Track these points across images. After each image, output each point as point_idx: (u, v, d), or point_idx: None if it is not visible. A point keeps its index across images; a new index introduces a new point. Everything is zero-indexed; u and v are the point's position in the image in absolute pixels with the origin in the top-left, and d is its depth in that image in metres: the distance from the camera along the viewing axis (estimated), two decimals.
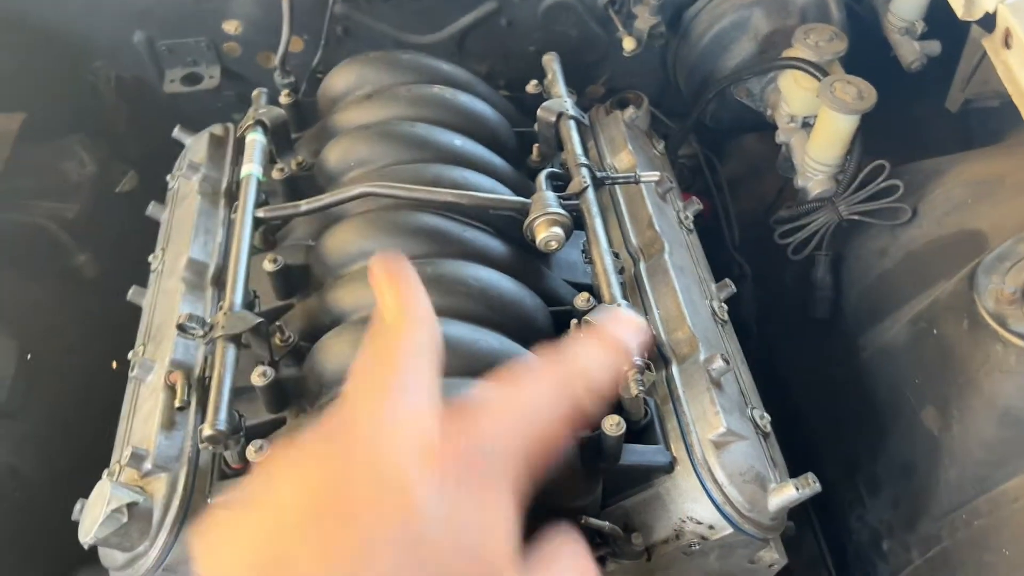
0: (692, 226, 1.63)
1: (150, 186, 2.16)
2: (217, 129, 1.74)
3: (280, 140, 1.60)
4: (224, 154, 1.69)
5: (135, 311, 1.56)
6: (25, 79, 1.97)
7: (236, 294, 1.25)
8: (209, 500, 1.18)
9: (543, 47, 2.00)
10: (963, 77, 1.69)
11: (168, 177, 1.75)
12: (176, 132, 1.76)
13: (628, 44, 1.92)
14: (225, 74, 2.04)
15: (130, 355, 1.45)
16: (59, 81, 2.00)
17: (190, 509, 1.18)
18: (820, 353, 1.81)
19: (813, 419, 1.82)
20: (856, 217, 1.72)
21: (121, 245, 2.07)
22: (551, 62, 1.68)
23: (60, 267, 1.96)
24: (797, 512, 1.66)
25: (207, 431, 1.09)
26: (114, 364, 1.98)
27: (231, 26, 1.99)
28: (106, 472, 1.25)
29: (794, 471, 1.26)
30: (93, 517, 1.13)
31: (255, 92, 1.64)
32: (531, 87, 1.71)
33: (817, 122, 1.72)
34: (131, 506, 1.14)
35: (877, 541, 1.57)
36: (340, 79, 1.65)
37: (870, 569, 1.59)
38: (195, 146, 1.71)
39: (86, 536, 1.13)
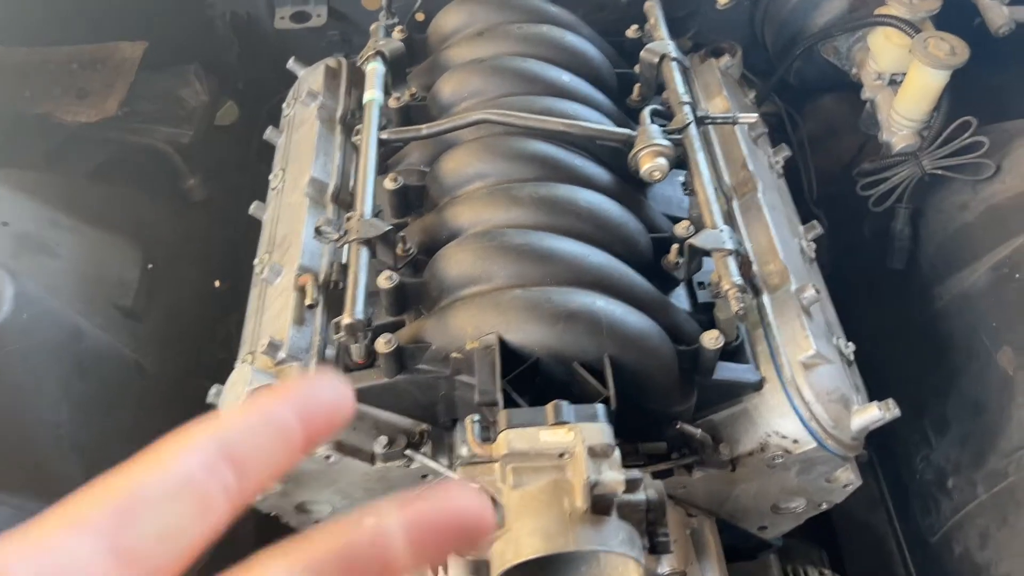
0: (781, 171, 1.71)
1: (249, 119, 2.30)
2: (332, 61, 1.84)
3: (395, 72, 1.70)
4: (339, 84, 1.80)
5: (235, 233, 1.70)
6: (148, 12, 2.10)
7: (366, 204, 1.36)
8: None
9: None
10: None
11: (284, 105, 1.86)
12: (291, 63, 1.87)
13: None
14: (332, 14, 2.15)
15: (255, 262, 1.57)
16: (178, 15, 2.13)
17: None
18: (894, 302, 1.88)
19: (883, 366, 1.88)
20: (939, 172, 1.78)
21: (224, 172, 2.21)
22: (653, 8, 1.76)
23: (174, 188, 2.10)
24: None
25: (346, 319, 1.20)
26: (216, 283, 2.13)
27: None
28: (239, 360, 1.38)
29: None
30: (234, 395, 1.26)
31: (373, 25, 1.74)
32: (631, 31, 1.79)
33: (907, 77, 1.77)
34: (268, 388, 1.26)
35: (942, 479, 1.65)
36: (451, 17, 1.74)
37: (932, 505, 1.67)
38: (311, 76, 1.82)
39: None
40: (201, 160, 2.14)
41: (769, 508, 1.48)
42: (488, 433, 1.16)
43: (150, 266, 1.84)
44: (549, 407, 1.10)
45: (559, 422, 1.09)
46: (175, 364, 1.83)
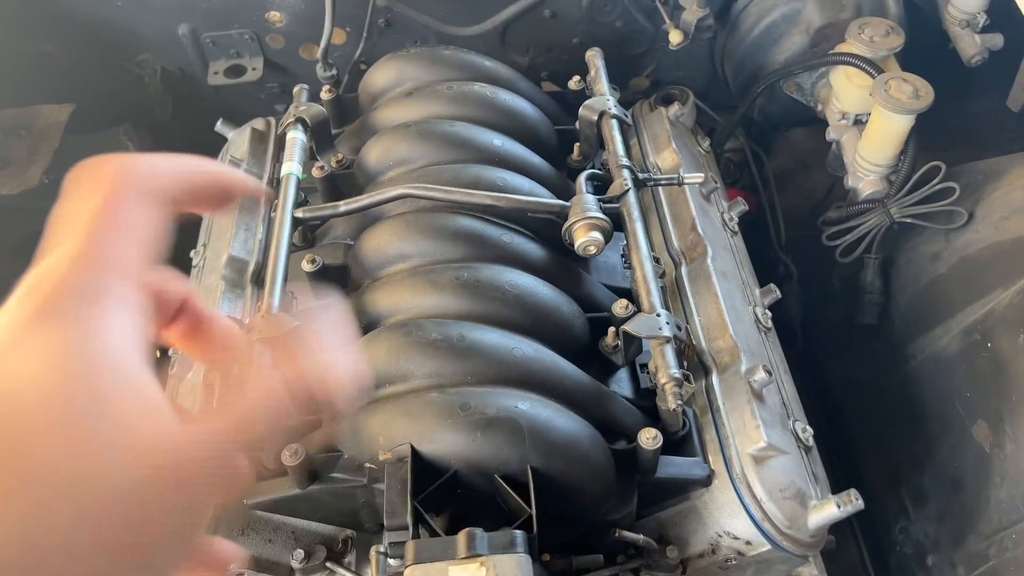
0: (736, 228, 1.59)
1: None
2: (259, 124, 1.74)
3: (321, 136, 1.59)
4: (266, 149, 1.70)
5: None
6: (73, 71, 2.00)
7: (274, 296, 1.26)
8: (246, 501, 1.19)
9: (587, 39, 1.97)
10: None
11: None
12: (219, 126, 1.77)
13: (675, 37, 1.88)
14: (268, 66, 2.05)
15: (170, 352, 1.46)
16: (106, 73, 2.03)
17: (227, 510, 1.20)
18: (867, 359, 1.76)
19: (858, 426, 1.78)
20: (909, 220, 1.66)
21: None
22: (594, 58, 1.65)
23: None
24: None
25: None
26: (157, 353, 2.02)
27: (275, 17, 1.99)
28: None
29: (836, 478, 1.23)
30: None
31: (296, 89, 1.64)
32: (574, 83, 1.68)
33: (870, 121, 1.66)
34: None
35: (922, 555, 1.53)
36: (381, 75, 1.64)
37: None
38: (237, 141, 1.72)
39: None
40: None
41: None
42: (400, 556, 1.05)
43: None
44: (461, 537, 0.99)
45: (472, 554, 0.97)
46: None
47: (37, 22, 1.93)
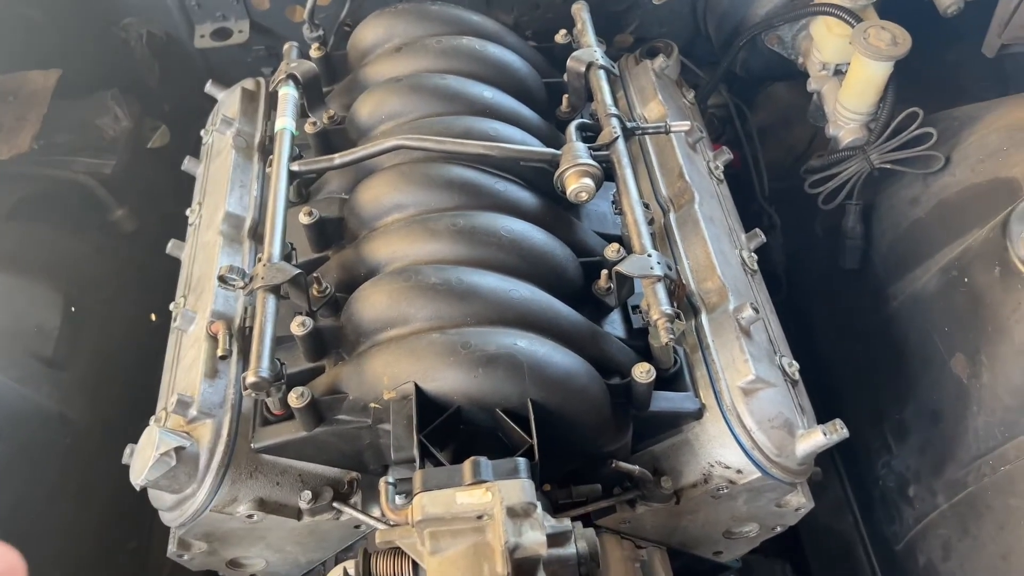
0: (722, 176, 1.63)
1: (181, 140, 2.21)
2: (249, 83, 1.75)
3: (312, 94, 1.61)
4: (257, 108, 1.71)
5: (173, 262, 1.60)
6: (59, 36, 2.00)
7: (274, 246, 1.28)
8: (252, 445, 1.23)
9: None
10: (1000, 21, 1.65)
11: (202, 132, 1.77)
12: (208, 87, 1.78)
13: None
14: (254, 28, 2.05)
15: (171, 306, 1.49)
16: (92, 38, 2.03)
17: (235, 453, 1.23)
18: (849, 302, 1.82)
19: (841, 367, 1.83)
20: (888, 166, 1.71)
21: (156, 199, 2.12)
22: (580, 11, 1.67)
23: (99, 221, 2.01)
24: (823, 457, 1.68)
25: (250, 378, 1.13)
26: (153, 316, 2.04)
27: None
28: (153, 419, 1.30)
29: (821, 418, 1.28)
30: (143, 460, 1.18)
31: (286, 46, 1.65)
32: (560, 36, 1.70)
33: (850, 69, 1.69)
34: (179, 450, 1.19)
35: (903, 487, 1.60)
36: (369, 32, 1.65)
37: (895, 513, 1.62)
38: (228, 101, 1.73)
39: (137, 478, 1.18)
40: (129, 189, 2.05)
41: (721, 535, 1.42)
42: (409, 490, 1.09)
43: (73, 309, 1.76)
44: (466, 465, 1.03)
45: (477, 480, 1.01)
46: (107, 409, 1.75)
47: None
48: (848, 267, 1.80)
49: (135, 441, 1.26)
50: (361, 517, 1.26)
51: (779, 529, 1.43)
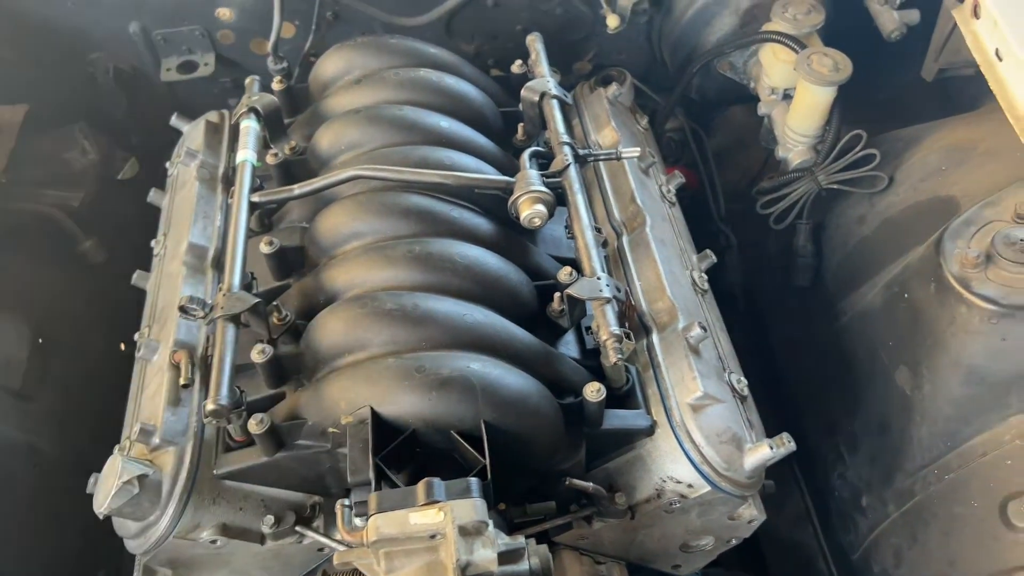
0: (675, 199, 1.69)
1: (151, 172, 2.23)
2: (213, 116, 1.79)
3: (273, 125, 1.65)
4: (220, 140, 1.75)
5: (141, 293, 1.63)
6: (26, 71, 2.02)
7: (234, 276, 1.31)
8: (215, 471, 1.26)
9: (530, 27, 2.04)
10: (936, 47, 1.73)
11: (167, 164, 1.81)
12: (174, 120, 1.82)
13: (612, 21, 1.96)
14: (220, 61, 2.09)
15: (136, 336, 1.52)
16: (59, 73, 2.05)
17: (197, 480, 1.26)
18: (802, 318, 1.87)
19: (797, 380, 1.89)
20: (835, 186, 1.77)
21: (125, 230, 2.14)
22: (534, 42, 1.73)
23: (67, 253, 2.03)
24: (783, 471, 1.73)
25: (210, 406, 1.16)
26: (122, 346, 2.05)
27: (224, 14, 2.03)
28: (117, 447, 1.33)
29: (779, 430, 1.31)
30: (106, 489, 1.21)
31: (248, 80, 1.69)
32: (516, 67, 1.76)
33: (796, 94, 1.76)
34: (141, 478, 1.21)
35: (857, 497, 1.64)
36: (330, 64, 1.70)
37: (851, 524, 1.67)
38: (192, 133, 1.77)
39: (100, 507, 1.20)
40: (97, 221, 2.07)
41: (678, 548, 1.46)
42: (364, 512, 1.12)
43: (40, 340, 1.78)
44: (420, 486, 1.06)
45: (430, 501, 1.05)
46: (77, 439, 1.77)
47: None
48: (800, 284, 1.86)
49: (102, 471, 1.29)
50: (323, 540, 1.29)
51: (734, 541, 1.47)
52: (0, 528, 1.57)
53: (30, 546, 1.62)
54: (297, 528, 1.30)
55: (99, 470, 1.28)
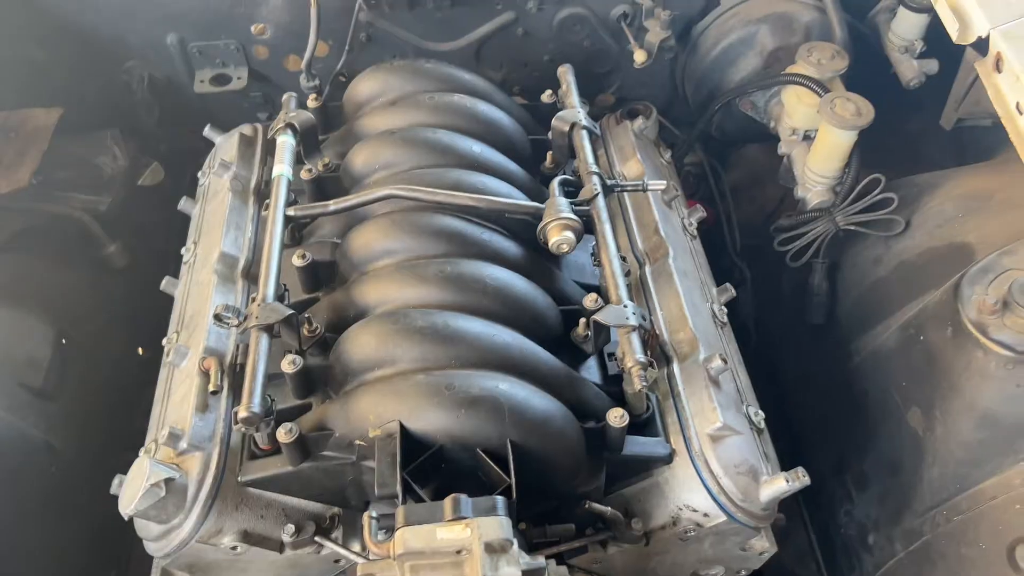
0: (696, 232, 1.72)
1: (175, 180, 2.27)
2: (247, 129, 1.83)
3: (308, 142, 1.69)
4: (254, 153, 1.78)
5: (161, 298, 1.65)
6: (63, 76, 2.06)
7: (269, 287, 1.34)
8: (240, 478, 1.28)
9: (557, 57, 2.10)
10: (957, 97, 1.78)
11: (199, 174, 1.84)
12: (207, 131, 1.85)
13: (639, 56, 2.01)
14: (252, 76, 2.13)
15: (164, 342, 1.54)
16: (95, 79, 2.10)
17: (222, 486, 1.28)
18: (815, 356, 1.90)
19: (807, 417, 1.91)
20: (852, 227, 1.80)
21: (148, 236, 2.18)
22: (566, 74, 1.77)
23: (92, 257, 2.05)
24: (788, 506, 1.74)
25: (242, 413, 1.18)
26: (140, 350, 2.08)
27: (260, 29, 2.08)
28: (143, 450, 1.35)
29: (787, 465, 1.35)
30: (133, 490, 1.22)
31: (285, 96, 1.73)
32: (546, 97, 1.80)
33: (817, 136, 1.80)
34: (168, 481, 1.23)
35: (864, 535, 1.66)
36: (366, 85, 1.74)
37: (856, 562, 1.68)
38: (226, 145, 1.80)
39: (126, 508, 1.22)
40: (122, 226, 2.10)
41: None
42: (389, 525, 1.14)
43: (63, 341, 1.80)
44: (447, 501, 1.08)
45: (457, 517, 1.07)
46: (93, 440, 1.79)
47: (28, 29, 2.00)
48: (814, 322, 1.89)
49: (119, 472, 1.31)
50: (342, 552, 1.31)
51: (744, 573, 1.49)
52: (13, 524, 1.58)
53: (42, 544, 1.63)
54: (316, 538, 1.32)
55: (113, 472, 1.31)
